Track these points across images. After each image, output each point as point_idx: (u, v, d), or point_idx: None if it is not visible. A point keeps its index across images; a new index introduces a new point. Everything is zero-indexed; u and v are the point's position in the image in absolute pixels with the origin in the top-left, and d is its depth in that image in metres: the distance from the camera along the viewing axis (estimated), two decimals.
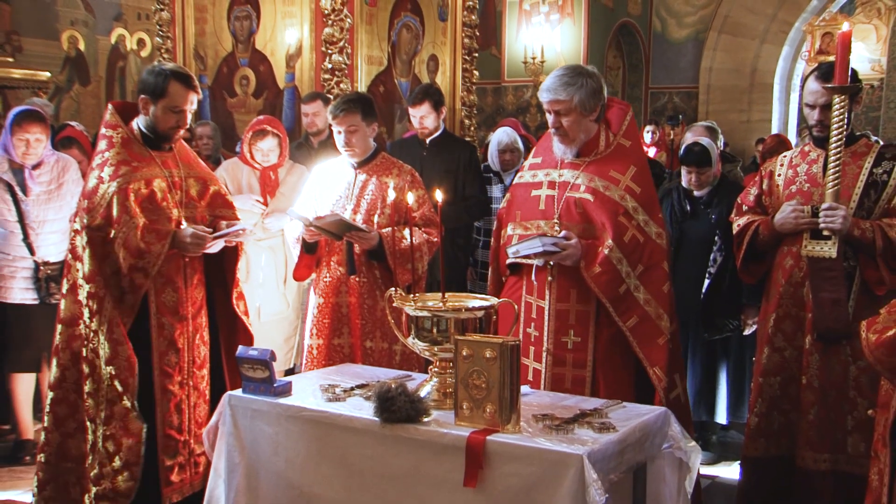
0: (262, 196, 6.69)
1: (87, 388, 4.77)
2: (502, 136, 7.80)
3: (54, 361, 4.93)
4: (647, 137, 12.96)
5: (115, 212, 4.67)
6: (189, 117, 4.97)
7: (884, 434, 3.04)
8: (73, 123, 9.00)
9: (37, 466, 4.96)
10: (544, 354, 4.58)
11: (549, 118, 4.59)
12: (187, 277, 4.96)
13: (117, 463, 4.73)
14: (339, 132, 5.34)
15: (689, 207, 6.48)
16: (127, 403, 4.67)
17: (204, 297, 5.10)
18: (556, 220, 4.54)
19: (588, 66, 4.77)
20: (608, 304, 4.40)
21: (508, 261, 4.71)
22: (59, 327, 4.92)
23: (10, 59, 12.03)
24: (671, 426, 3.87)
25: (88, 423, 4.79)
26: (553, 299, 4.56)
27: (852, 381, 4.74)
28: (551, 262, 4.49)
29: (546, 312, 4.58)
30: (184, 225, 4.83)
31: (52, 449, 4.92)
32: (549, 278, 4.55)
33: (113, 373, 4.68)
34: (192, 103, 4.90)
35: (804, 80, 5.09)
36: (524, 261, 4.60)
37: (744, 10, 16.14)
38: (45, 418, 4.96)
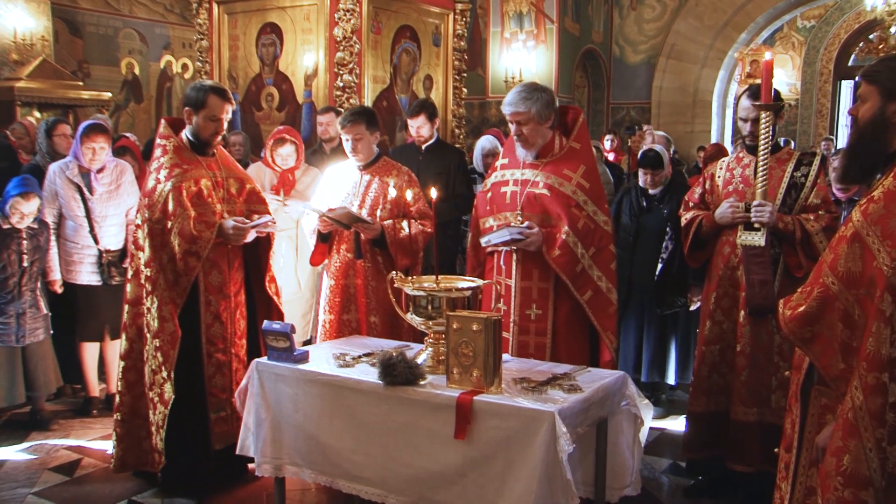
0: (278, 192, 6.74)
1: (146, 358, 4.84)
2: (485, 143, 7.81)
3: (123, 336, 4.98)
4: (607, 145, 12.92)
5: (170, 206, 4.72)
6: (225, 125, 5.00)
7: (796, 391, 3.07)
8: (126, 135, 9.01)
9: (114, 424, 5.02)
10: (511, 325, 4.58)
11: (512, 127, 4.60)
12: (230, 262, 5.00)
13: (154, 424, 4.79)
14: (347, 139, 5.30)
15: (644, 203, 6.51)
16: (164, 373, 4.68)
17: (243, 278, 5.12)
18: (519, 212, 4.55)
19: (541, 83, 4.82)
20: (567, 281, 4.42)
21: (490, 249, 4.68)
22: (126, 307, 4.97)
23: (81, 83, 12.23)
24: (628, 387, 3.88)
25: (146, 389, 4.85)
26: (518, 279, 4.56)
27: (776, 348, 4.76)
28: (514, 248, 4.50)
29: (512, 290, 4.58)
30: (226, 217, 4.86)
31: (126, 409, 4.97)
32: (514, 261, 4.55)
33: (157, 345, 4.71)
34: (227, 113, 4.93)
35: (737, 98, 5.13)
36: (498, 247, 4.59)
37: (687, 40, 16.15)
38: (119, 384, 5.01)
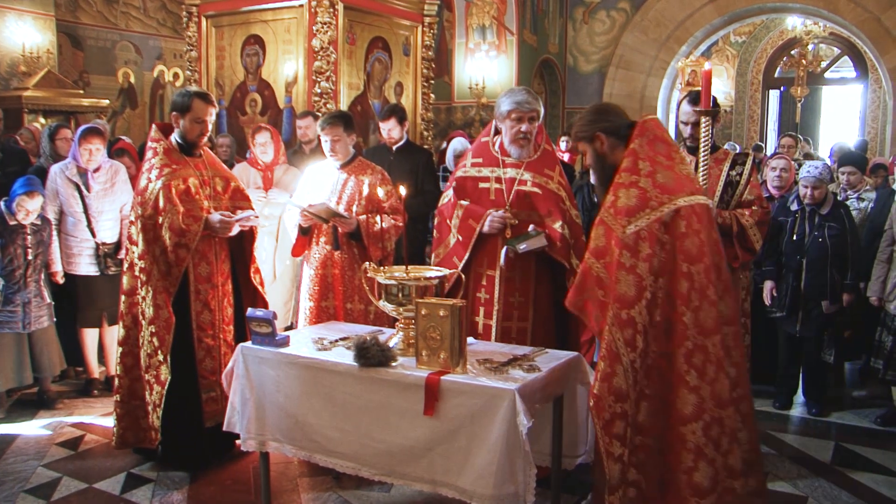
0: (264, 187, 6.76)
1: (141, 343, 4.81)
2: (457, 144, 7.82)
3: (121, 324, 4.94)
4: (563, 146, 12.91)
5: (161, 203, 4.69)
6: (210, 126, 4.96)
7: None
8: (124, 138, 9.02)
9: (114, 405, 5.00)
10: (495, 313, 4.52)
11: (522, 126, 4.47)
12: (217, 254, 4.97)
13: (151, 403, 4.78)
14: (326, 141, 5.25)
15: (595, 199, 6.45)
16: (160, 357, 4.66)
17: (230, 269, 5.09)
18: (507, 208, 4.48)
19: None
20: (567, 266, 4.42)
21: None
22: (122, 297, 4.93)
23: (81, 92, 12.27)
24: (582, 366, 3.84)
25: (142, 372, 4.82)
26: (504, 269, 4.49)
27: None
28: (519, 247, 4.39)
29: (496, 279, 4.52)
30: (212, 213, 4.83)
31: (124, 391, 4.94)
32: (501, 253, 4.47)
33: (153, 331, 4.69)
34: (210, 115, 4.90)
35: (679, 104, 5.09)
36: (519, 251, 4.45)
37: (634, 51, 16.21)
38: (117, 368, 4.99)
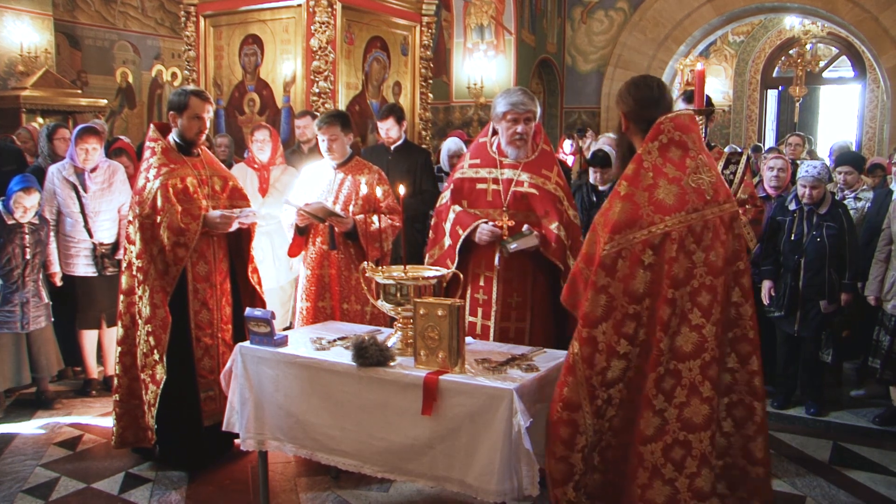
0: (260, 187, 6.75)
1: (138, 342, 4.81)
2: (451, 144, 7.79)
3: (119, 323, 4.94)
4: (567, 147, 12.88)
5: (159, 202, 4.69)
6: (207, 123, 4.96)
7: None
8: (122, 137, 9.00)
9: (113, 404, 4.99)
10: (493, 313, 4.48)
11: (518, 127, 4.40)
12: (215, 253, 4.97)
13: (146, 402, 4.78)
14: (323, 140, 5.24)
15: (595, 199, 6.46)
16: (156, 356, 4.65)
17: (228, 269, 5.08)
18: (504, 209, 4.44)
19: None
20: (562, 268, 4.35)
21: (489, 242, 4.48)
22: (121, 297, 4.93)
23: (80, 91, 12.33)
24: None
25: (139, 372, 4.82)
26: (501, 269, 4.45)
27: None
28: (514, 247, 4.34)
29: (494, 280, 4.48)
30: (211, 210, 4.84)
31: (123, 390, 4.94)
32: (498, 254, 4.42)
33: (149, 330, 4.68)
34: (208, 112, 4.90)
35: (674, 102, 5.09)
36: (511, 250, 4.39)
37: (632, 51, 16.23)
38: (116, 367, 4.98)
